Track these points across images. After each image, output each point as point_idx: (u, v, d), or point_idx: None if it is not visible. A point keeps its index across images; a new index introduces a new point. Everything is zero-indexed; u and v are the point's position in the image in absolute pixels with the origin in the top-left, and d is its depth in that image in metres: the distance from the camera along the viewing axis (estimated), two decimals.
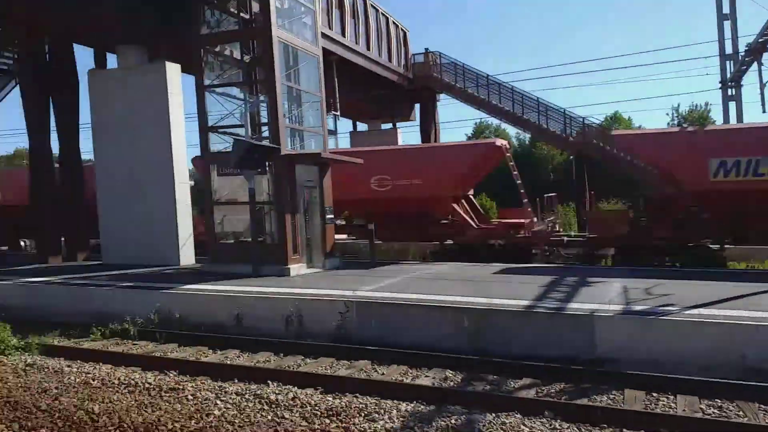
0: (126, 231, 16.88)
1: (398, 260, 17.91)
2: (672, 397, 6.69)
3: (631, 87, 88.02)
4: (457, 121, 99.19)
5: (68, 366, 8.58)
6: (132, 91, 17.12)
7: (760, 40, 21.70)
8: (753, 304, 8.48)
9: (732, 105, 25.36)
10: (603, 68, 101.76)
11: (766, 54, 22.51)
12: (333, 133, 30.09)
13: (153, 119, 16.81)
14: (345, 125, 39.53)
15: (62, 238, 18.55)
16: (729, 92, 25.65)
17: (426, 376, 7.95)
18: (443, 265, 15.21)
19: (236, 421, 6.33)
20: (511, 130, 51.84)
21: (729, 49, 25.47)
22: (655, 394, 6.78)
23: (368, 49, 26.99)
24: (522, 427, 5.98)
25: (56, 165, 19.22)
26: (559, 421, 6.11)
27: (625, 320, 8.09)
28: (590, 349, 8.12)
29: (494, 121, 50.75)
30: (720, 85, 25.70)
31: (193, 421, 6.31)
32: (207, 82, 15.66)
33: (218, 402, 6.98)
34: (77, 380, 7.84)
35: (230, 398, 7.11)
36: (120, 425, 6.21)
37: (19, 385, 7.58)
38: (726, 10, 25.13)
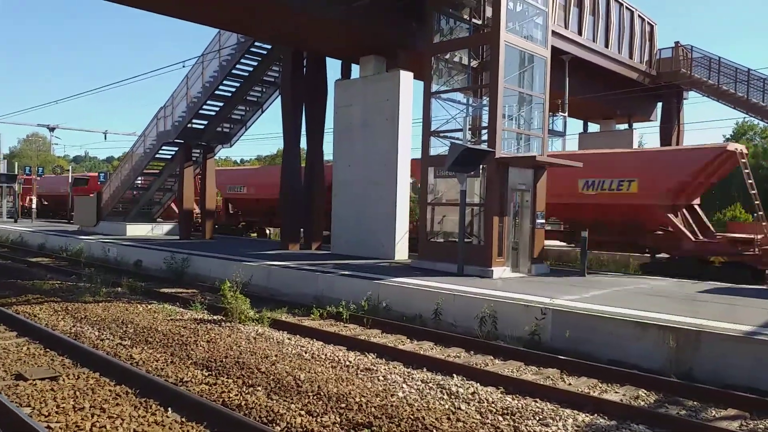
0: (352, 224, 18.69)
1: (612, 271, 16.92)
2: None
3: None
4: (710, 121, 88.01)
5: (288, 339, 9.96)
6: (369, 98, 18.80)
7: None
8: None
9: None
10: None
11: None
12: (561, 134, 29.28)
13: (384, 124, 18.23)
14: (577, 126, 37.79)
15: (301, 229, 21.19)
16: None
17: (615, 392, 7.55)
18: (662, 281, 14.00)
19: (415, 404, 6.79)
20: None
21: None
22: None
23: (606, 46, 25.69)
24: None
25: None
26: None
27: None
28: None
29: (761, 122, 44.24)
30: None
31: (378, 399, 6.92)
32: (434, 88, 16.62)
33: (404, 386, 7.54)
34: (293, 351, 9.08)
35: (415, 384, 7.63)
36: (318, 392, 7.09)
37: (248, 350, 9.05)
38: None
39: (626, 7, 26.49)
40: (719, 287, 13.16)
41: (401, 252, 17.88)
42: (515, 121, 16.50)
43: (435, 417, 6.33)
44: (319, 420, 6.20)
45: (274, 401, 6.78)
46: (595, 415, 6.59)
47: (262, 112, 25.13)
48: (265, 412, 6.38)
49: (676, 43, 28.02)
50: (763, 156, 51.19)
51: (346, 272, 13.84)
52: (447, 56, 17.19)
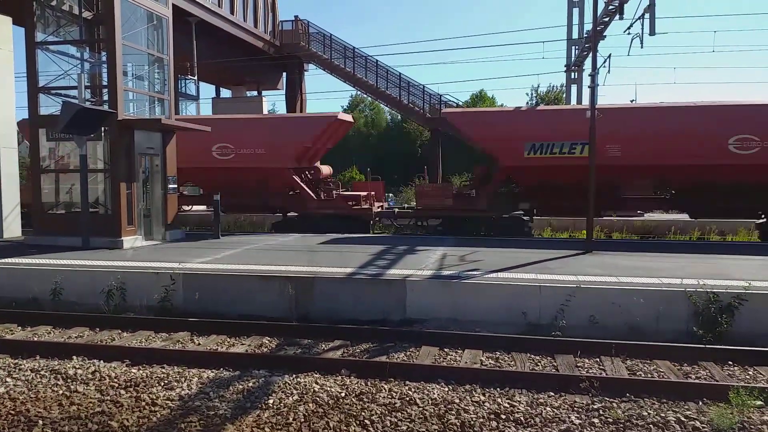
0: None
1: (247, 232, 17.82)
2: (460, 351, 7.29)
3: (494, 66, 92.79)
4: (335, 92, 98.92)
5: None
6: None
7: (598, 28, 23.67)
8: (544, 269, 9.39)
9: (574, 87, 27.50)
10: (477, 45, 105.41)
11: (602, 42, 24.49)
12: (194, 98, 28.92)
13: None
14: (210, 91, 37.70)
15: None
16: (572, 75, 27.72)
17: (242, 344, 8.00)
18: (288, 237, 15.31)
19: (20, 397, 6.03)
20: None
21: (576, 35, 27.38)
22: (446, 350, 7.35)
23: (232, 12, 26.07)
24: (314, 385, 6.23)
25: None
26: (352, 377, 6.45)
27: (431, 284, 8.64)
28: (402, 310, 8.61)
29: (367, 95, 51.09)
30: (565, 68, 27.69)
31: None
32: (41, 38, 14.45)
33: (8, 380, 6.60)
34: None
35: (24, 375, 6.75)
36: None
37: None
38: None
39: None
40: (336, 238, 14.98)
41: (12, 229, 15.46)
42: (146, 81, 15.65)
43: (44, 406, 5.74)
44: None
45: None
46: (221, 369, 6.88)
47: None
48: None
49: (296, 17, 30.27)
50: (372, 125, 60.02)
51: None
52: (54, 3, 15.09)
